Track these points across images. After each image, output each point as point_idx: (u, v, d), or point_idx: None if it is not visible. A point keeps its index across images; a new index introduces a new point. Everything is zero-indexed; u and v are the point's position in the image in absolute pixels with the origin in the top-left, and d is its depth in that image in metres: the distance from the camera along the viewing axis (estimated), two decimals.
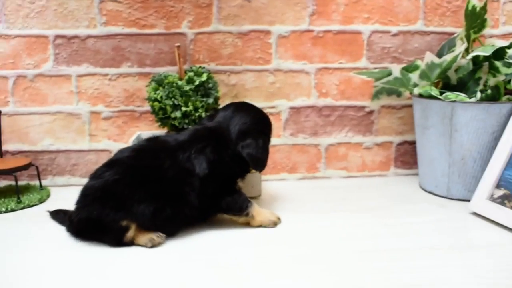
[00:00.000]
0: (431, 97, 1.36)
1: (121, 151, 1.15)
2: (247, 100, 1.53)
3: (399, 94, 1.56)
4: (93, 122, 1.53)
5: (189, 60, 1.52)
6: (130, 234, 1.06)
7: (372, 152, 1.62)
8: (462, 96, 1.31)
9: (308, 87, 1.56)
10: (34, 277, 0.94)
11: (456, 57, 1.32)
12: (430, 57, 1.37)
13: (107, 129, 1.54)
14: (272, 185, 1.54)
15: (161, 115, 1.36)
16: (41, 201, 1.39)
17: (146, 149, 1.14)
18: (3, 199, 1.36)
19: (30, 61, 1.49)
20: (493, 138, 1.29)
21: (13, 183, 1.50)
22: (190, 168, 1.10)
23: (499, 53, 1.33)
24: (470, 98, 1.31)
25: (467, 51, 1.40)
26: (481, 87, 1.34)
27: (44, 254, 1.05)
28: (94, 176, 1.11)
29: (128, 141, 1.40)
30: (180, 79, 1.37)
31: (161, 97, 1.35)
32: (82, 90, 1.51)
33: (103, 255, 1.04)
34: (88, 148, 1.54)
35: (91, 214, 1.05)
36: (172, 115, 1.34)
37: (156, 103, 1.36)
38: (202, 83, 1.36)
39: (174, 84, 1.34)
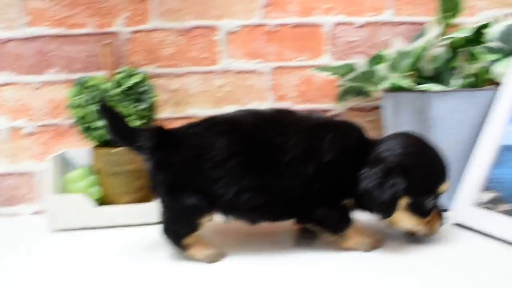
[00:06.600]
0: (401, 89, 1.15)
1: (239, 112, 0.90)
2: (192, 107, 1.32)
3: (366, 94, 1.34)
4: (12, 139, 1.31)
5: (124, 63, 1.31)
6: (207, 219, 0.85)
7: None
8: (437, 86, 1.10)
9: (263, 89, 1.35)
10: None
11: (428, 41, 1.13)
12: (398, 44, 1.17)
13: (30, 147, 1.32)
14: None
15: (84, 125, 1.15)
16: None
17: (271, 119, 0.87)
18: None
19: None
20: (477, 132, 1.07)
21: None
22: (316, 145, 0.83)
23: (477, 38, 1.14)
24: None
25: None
26: (458, 77, 1.14)
27: None
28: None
29: (47, 160, 1.16)
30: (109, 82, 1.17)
31: (84, 102, 1.14)
32: (1, 102, 1.30)
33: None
34: (6, 171, 1.31)
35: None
36: (92, 126, 1.13)
37: (79, 110, 1.15)
38: (131, 87, 1.15)
39: (98, 88, 1.13)
